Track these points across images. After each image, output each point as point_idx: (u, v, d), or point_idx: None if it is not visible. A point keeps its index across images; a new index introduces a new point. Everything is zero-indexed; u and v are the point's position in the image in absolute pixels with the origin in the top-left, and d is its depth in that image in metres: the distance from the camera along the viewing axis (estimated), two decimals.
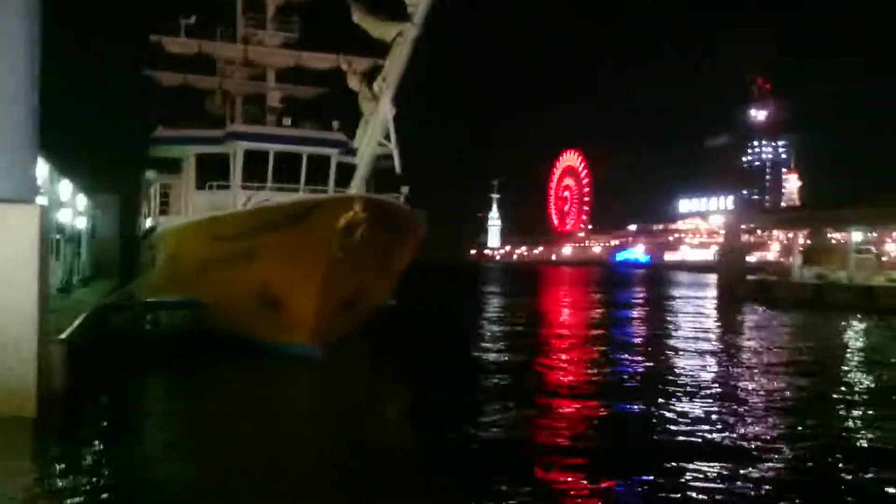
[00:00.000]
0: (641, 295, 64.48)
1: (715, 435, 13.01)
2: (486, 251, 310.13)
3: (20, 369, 12.19)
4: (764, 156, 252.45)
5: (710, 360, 22.49)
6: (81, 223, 37.26)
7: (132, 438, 12.41)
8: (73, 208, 33.10)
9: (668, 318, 38.47)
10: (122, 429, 12.87)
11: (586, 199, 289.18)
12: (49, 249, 25.97)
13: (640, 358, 22.71)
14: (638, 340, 27.97)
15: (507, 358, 22.40)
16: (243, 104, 32.83)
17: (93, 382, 15.81)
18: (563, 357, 22.95)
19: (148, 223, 28.08)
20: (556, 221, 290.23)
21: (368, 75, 18.82)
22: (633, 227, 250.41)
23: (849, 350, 27.02)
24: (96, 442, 11.96)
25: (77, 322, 17.82)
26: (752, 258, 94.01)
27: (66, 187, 28.02)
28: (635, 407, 15.11)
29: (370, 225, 17.71)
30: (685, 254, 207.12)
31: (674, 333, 29.90)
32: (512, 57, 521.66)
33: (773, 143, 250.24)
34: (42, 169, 22.26)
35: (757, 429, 13.60)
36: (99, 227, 42.84)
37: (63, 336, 14.76)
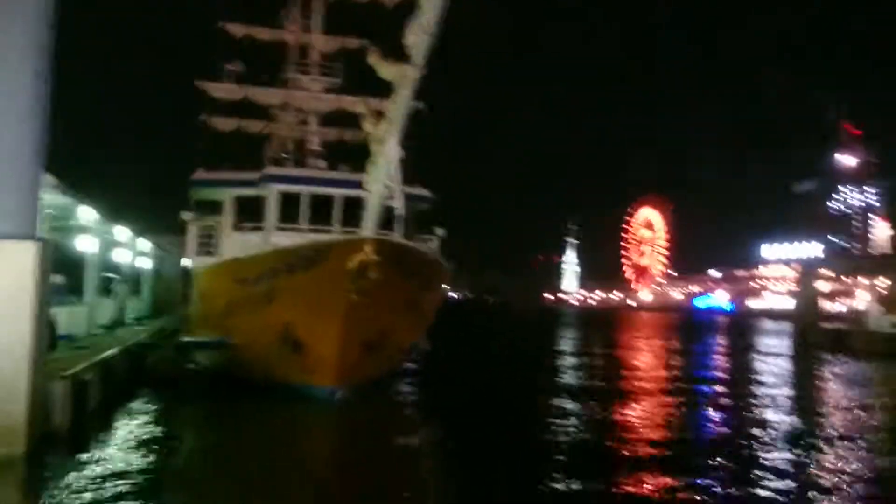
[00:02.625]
0: (722, 344, 61.95)
1: None
2: (562, 296, 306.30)
3: (10, 406, 12.20)
4: (852, 202, 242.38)
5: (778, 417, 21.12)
6: (143, 263, 38.76)
7: (119, 475, 12.21)
8: (133, 249, 34.35)
9: (741, 368, 37.27)
10: (112, 464, 12.75)
11: (665, 245, 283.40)
12: (99, 287, 27.20)
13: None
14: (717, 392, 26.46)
15: (569, 406, 21.25)
16: (295, 148, 33.53)
17: (100, 420, 15.94)
18: (634, 415, 20.80)
19: (187, 263, 28.68)
20: (632, 272, 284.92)
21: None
22: (714, 273, 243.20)
23: None
24: (83, 481, 11.80)
25: (99, 358, 18.13)
26: (838, 306, 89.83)
27: (121, 230, 28.98)
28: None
29: (383, 266, 17.50)
30: (770, 301, 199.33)
31: (741, 386, 28.35)
32: (590, 99, 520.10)
33: (863, 190, 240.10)
34: (90, 212, 23.04)
35: None
36: (165, 267, 44.56)
37: (70, 373, 14.94)
